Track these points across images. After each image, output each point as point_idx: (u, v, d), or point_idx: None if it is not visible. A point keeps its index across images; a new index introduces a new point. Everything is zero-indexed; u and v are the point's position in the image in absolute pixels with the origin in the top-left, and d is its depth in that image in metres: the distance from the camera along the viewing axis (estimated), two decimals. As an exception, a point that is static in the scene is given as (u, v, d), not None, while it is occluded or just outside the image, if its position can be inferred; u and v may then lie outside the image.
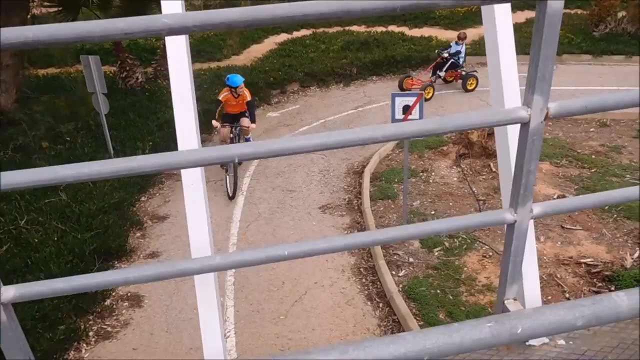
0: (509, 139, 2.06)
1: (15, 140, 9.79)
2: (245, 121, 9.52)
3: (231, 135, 9.50)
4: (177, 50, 1.97)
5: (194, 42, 17.58)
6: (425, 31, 19.63)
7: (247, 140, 9.83)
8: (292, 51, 17.68)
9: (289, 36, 20.10)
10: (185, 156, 1.20)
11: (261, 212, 8.91)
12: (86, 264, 7.23)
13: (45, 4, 12.61)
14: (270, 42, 19.38)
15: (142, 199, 9.43)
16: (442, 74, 13.96)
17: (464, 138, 10.28)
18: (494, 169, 9.63)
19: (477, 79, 13.85)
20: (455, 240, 7.83)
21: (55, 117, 10.46)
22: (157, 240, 8.30)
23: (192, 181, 1.94)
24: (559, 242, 7.53)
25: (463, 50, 13.99)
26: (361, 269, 7.47)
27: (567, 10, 19.22)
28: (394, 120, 7.06)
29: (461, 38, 14.03)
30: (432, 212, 8.56)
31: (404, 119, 7.02)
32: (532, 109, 1.21)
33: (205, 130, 12.07)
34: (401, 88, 13.78)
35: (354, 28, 20.45)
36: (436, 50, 14.53)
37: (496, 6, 2.07)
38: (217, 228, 8.46)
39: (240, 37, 18.58)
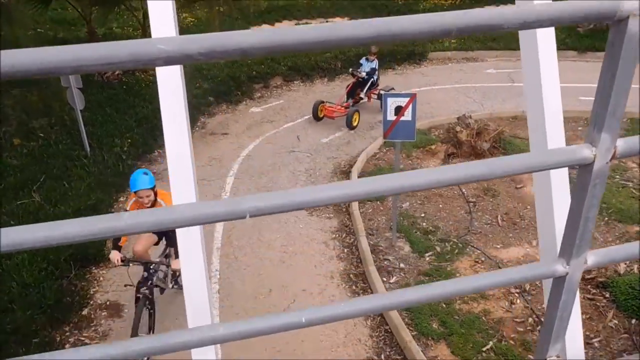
0: (552, 179, 1.79)
1: (-16, 136, 9.28)
2: (175, 263, 5.89)
3: (145, 274, 5.80)
4: (171, 81, 1.61)
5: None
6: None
7: (178, 285, 6.32)
8: (274, 43, 17.24)
9: (271, 27, 19.67)
10: (183, 212, 0.93)
11: (246, 214, 8.59)
12: (62, 271, 6.84)
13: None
14: (252, 34, 18.89)
15: (121, 199, 9.02)
16: (363, 95, 12.09)
17: (452, 137, 10.09)
18: (483, 170, 9.46)
19: None
20: (447, 244, 7.65)
21: (28, 112, 9.94)
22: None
23: (190, 238, 1.63)
24: (552, 247, 7.41)
25: (377, 66, 12.24)
26: (351, 275, 7.23)
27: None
28: (386, 121, 6.80)
29: (373, 53, 12.17)
30: (422, 215, 8.36)
31: (396, 120, 6.77)
32: (597, 149, 1.00)
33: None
34: (316, 117, 11.85)
35: (338, 19, 20.10)
36: (350, 70, 12.45)
37: (538, 30, 1.78)
38: (200, 231, 8.11)
39: (222, 29, 18.07)
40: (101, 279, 7.24)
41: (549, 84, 1.84)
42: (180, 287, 5.83)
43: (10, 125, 9.54)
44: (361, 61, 12.38)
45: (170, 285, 6.35)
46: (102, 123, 10.62)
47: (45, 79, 10.41)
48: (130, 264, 5.77)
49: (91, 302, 6.81)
